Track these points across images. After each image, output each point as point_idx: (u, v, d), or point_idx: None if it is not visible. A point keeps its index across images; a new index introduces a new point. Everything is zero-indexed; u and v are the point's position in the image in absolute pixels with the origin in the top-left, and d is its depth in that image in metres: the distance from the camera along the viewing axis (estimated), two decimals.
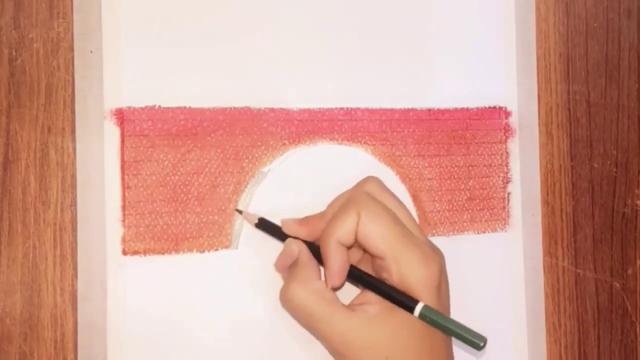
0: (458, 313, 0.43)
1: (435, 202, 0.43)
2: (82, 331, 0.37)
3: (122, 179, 0.38)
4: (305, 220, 0.38)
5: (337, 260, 0.36)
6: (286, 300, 0.36)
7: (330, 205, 0.39)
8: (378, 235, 0.35)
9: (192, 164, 0.39)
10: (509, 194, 0.45)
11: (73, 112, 0.37)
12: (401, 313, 0.35)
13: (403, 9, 0.43)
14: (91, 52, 0.37)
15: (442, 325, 0.35)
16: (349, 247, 0.37)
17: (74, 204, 0.37)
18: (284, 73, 0.41)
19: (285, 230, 0.38)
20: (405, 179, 0.43)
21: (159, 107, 0.38)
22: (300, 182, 0.41)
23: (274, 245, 0.40)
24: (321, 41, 0.42)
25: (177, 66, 0.39)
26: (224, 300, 0.39)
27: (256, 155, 0.40)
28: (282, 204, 0.40)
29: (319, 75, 0.42)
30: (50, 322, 0.37)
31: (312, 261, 0.37)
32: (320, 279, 0.37)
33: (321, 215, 0.38)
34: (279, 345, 0.40)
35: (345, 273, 0.36)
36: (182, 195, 0.39)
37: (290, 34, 0.41)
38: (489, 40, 0.45)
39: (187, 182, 0.39)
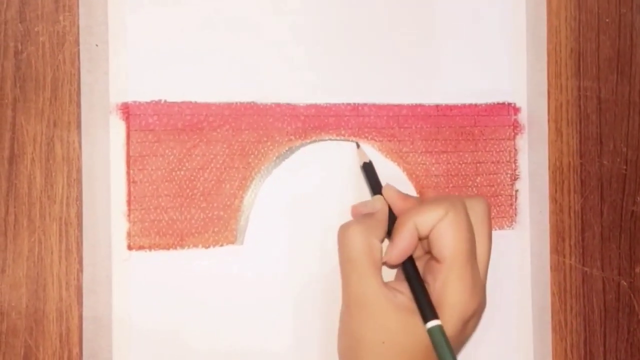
0: None
1: None
2: (87, 325, 0.37)
3: (128, 173, 0.38)
4: (405, 196, 0.39)
5: (406, 240, 0.36)
6: (343, 234, 0.37)
7: (430, 197, 0.40)
8: (450, 240, 0.36)
9: (198, 159, 0.39)
10: (517, 191, 0.45)
11: (79, 106, 0.37)
12: (419, 322, 0.35)
13: (412, 4, 0.43)
14: (97, 45, 0.37)
15: (441, 353, 0.35)
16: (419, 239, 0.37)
17: (79, 198, 0.37)
18: (291, 68, 0.40)
19: (384, 191, 0.39)
20: (412, 175, 0.43)
21: (165, 101, 0.38)
22: (306, 178, 0.41)
23: (279, 242, 0.40)
24: (328, 36, 0.41)
25: (183, 61, 0.39)
26: (229, 295, 0.39)
27: (262, 150, 0.40)
28: (288, 200, 0.40)
29: (326, 71, 0.41)
30: (56, 316, 0.37)
31: (384, 224, 0.38)
32: (382, 242, 0.37)
33: (417, 200, 0.39)
34: (282, 341, 0.40)
35: (405, 257, 0.37)
36: (188, 191, 0.39)
37: (297, 29, 0.41)
38: (498, 35, 0.45)
39: (192, 177, 0.39)
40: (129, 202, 0.38)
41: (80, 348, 0.37)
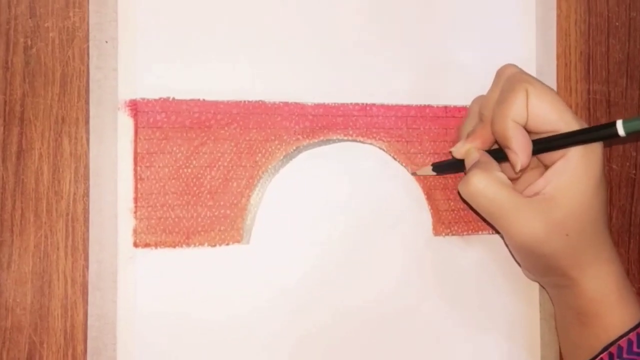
0: (471, 312, 0.43)
1: (450, 201, 0.43)
2: (92, 322, 0.37)
3: (135, 170, 0.38)
4: (471, 134, 0.39)
5: (520, 137, 0.36)
6: (469, 189, 0.36)
7: (484, 107, 0.39)
8: (550, 107, 0.36)
9: (205, 157, 0.39)
10: None
11: (87, 102, 0.37)
12: (577, 185, 0.36)
13: (421, 5, 0.43)
14: (106, 42, 0.37)
15: None
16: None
17: (86, 194, 0.37)
18: (299, 67, 0.40)
19: (456, 152, 0.39)
20: (420, 176, 0.42)
21: (173, 99, 0.38)
22: (313, 177, 0.40)
23: (286, 241, 0.40)
24: (337, 36, 0.41)
25: (192, 59, 0.38)
26: (234, 294, 0.39)
27: (270, 149, 0.40)
28: (295, 199, 0.40)
29: (335, 70, 0.41)
30: (61, 313, 0.37)
31: (491, 158, 0.38)
32: (500, 171, 0.37)
33: (481, 121, 0.39)
34: (288, 340, 0.40)
35: (530, 150, 0.36)
36: (195, 189, 0.38)
37: (306, 28, 0.41)
38: (508, 37, 0.45)
39: (199, 175, 0.39)
40: (135, 199, 0.37)
41: (84, 345, 0.37)
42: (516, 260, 0.42)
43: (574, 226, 0.36)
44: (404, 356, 0.41)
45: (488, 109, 0.38)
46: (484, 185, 0.36)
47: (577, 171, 0.36)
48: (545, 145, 0.37)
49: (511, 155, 0.36)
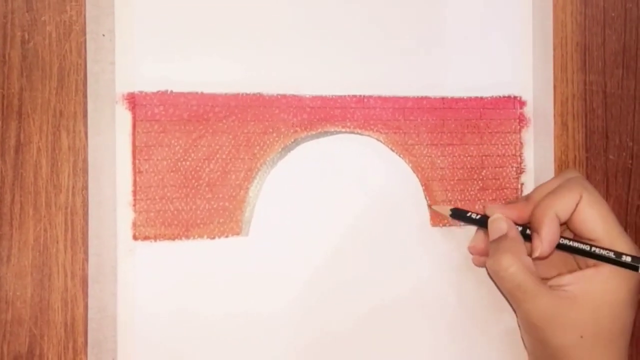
0: (469, 303, 0.43)
1: (447, 192, 0.43)
2: (92, 315, 0.37)
3: (134, 163, 0.38)
4: (512, 205, 0.40)
5: (552, 230, 0.37)
6: (500, 270, 0.37)
7: (536, 191, 0.40)
8: (599, 218, 0.37)
9: (204, 150, 0.39)
10: (522, 184, 0.45)
11: (85, 96, 0.37)
12: (602, 295, 0.37)
13: None
14: (103, 35, 0.37)
15: None
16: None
17: (85, 188, 0.37)
18: (297, 59, 0.40)
19: (491, 212, 0.40)
20: (417, 168, 0.43)
21: (171, 92, 0.38)
22: (311, 169, 0.41)
23: (284, 233, 0.40)
24: (334, 28, 0.41)
25: (190, 51, 0.39)
26: (234, 286, 0.39)
27: (268, 141, 0.40)
28: (293, 191, 0.40)
29: (332, 62, 0.41)
30: (61, 306, 0.37)
31: (520, 237, 0.38)
32: (527, 255, 0.38)
33: (526, 199, 0.40)
34: (286, 331, 0.40)
35: (554, 245, 0.37)
36: (193, 181, 0.39)
37: (304, 20, 0.41)
38: (505, 28, 0.45)
39: (198, 168, 0.39)
40: (134, 192, 0.38)
41: (85, 337, 0.37)
42: (525, 346, 0.42)
43: (589, 332, 0.36)
44: (399, 346, 0.42)
45: (539, 193, 0.40)
46: (514, 270, 0.37)
47: (605, 286, 0.37)
48: (573, 248, 0.38)
49: (536, 241, 0.38)
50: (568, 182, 0.38)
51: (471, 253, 0.42)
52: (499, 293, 0.43)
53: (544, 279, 0.38)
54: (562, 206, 0.37)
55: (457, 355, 0.43)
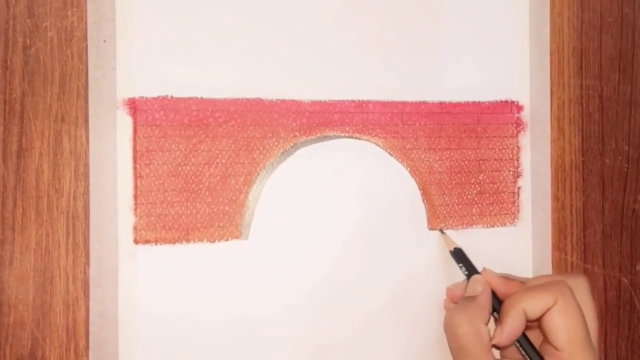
0: None
1: (445, 196, 0.43)
2: (93, 318, 0.37)
3: (134, 168, 0.38)
4: (506, 278, 0.40)
5: (515, 324, 0.37)
6: (449, 325, 0.37)
7: (532, 279, 0.40)
8: (566, 329, 0.36)
9: (204, 155, 0.39)
10: (519, 188, 0.45)
11: (86, 101, 0.38)
12: None
13: (416, 2, 0.43)
14: (105, 41, 0.38)
15: None
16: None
17: (86, 192, 0.38)
18: (296, 64, 0.41)
19: (484, 274, 0.40)
20: (415, 172, 0.43)
21: (172, 97, 0.39)
22: (310, 173, 0.41)
23: (283, 237, 0.40)
24: (333, 33, 0.42)
25: (190, 57, 0.39)
26: (233, 289, 0.39)
27: (267, 146, 0.40)
28: (293, 195, 0.40)
29: (331, 67, 0.41)
30: (62, 309, 0.37)
31: (488, 306, 0.38)
32: (487, 324, 0.37)
33: (509, 283, 0.40)
34: (286, 333, 0.40)
35: (515, 338, 0.37)
36: (194, 185, 0.39)
37: (303, 25, 0.41)
38: (502, 33, 0.45)
39: (198, 172, 0.39)
40: (135, 197, 0.38)
41: (86, 341, 0.37)
42: None
43: None
44: (397, 348, 0.42)
45: (532, 282, 0.39)
46: (463, 331, 0.36)
47: None
48: (526, 350, 0.38)
49: (498, 328, 0.37)
50: (551, 284, 0.38)
51: (446, 294, 0.42)
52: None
53: (503, 354, 0.39)
54: (532, 305, 0.37)
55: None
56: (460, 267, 0.41)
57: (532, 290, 0.37)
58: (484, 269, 0.40)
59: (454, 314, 0.37)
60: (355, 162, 0.42)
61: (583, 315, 0.37)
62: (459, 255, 0.41)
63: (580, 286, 0.38)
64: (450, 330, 0.37)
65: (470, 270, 0.41)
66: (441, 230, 0.43)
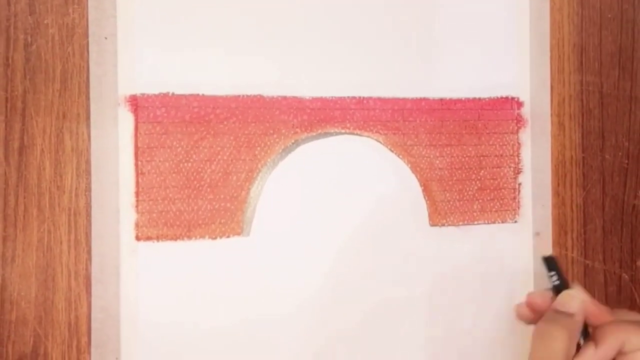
0: (466, 303, 0.44)
1: (446, 192, 0.44)
2: (95, 315, 0.37)
3: (136, 165, 0.38)
4: (597, 304, 0.38)
5: (609, 352, 0.36)
6: (548, 335, 0.36)
7: (627, 313, 0.39)
8: None
9: (205, 151, 0.39)
10: (519, 184, 0.45)
11: (88, 98, 0.38)
12: None
13: None
14: (106, 38, 0.38)
15: None
16: None
17: (88, 189, 0.38)
18: (297, 61, 0.41)
19: (577, 292, 0.38)
20: (416, 168, 0.43)
21: (173, 94, 0.39)
22: (311, 169, 0.41)
23: (285, 233, 0.40)
24: (334, 30, 0.42)
25: (191, 54, 0.39)
26: (235, 286, 0.39)
27: (268, 143, 0.40)
28: (294, 192, 0.40)
29: (332, 64, 0.42)
30: (65, 306, 0.37)
31: (581, 327, 0.37)
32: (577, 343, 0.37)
33: (613, 312, 0.38)
34: (287, 329, 0.40)
35: None
36: (195, 182, 0.39)
37: (303, 22, 0.41)
38: (502, 30, 0.45)
39: (199, 169, 0.39)
40: (137, 193, 0.38)
41: (88, 337, 0.37)
42: None
43: None
44: (399, 344, 0.42)
45: (628, 315, 0.38)
46: (560, 347, 0.35)
47: None
48: None
49: (588, 350, 0.36)
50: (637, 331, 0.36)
51: (526, 300, 0.39)
52: (497, 291, 0.44)
53: None
54: (634, 341, 0.36)
55: (456, 351, 0.43)
56: (551, 276, 0.38)
57: (635, 326, 0.36)
58: (576, 284, 0.39)
59: (555, 326, 0.36)
60: (356, 158, 0.42)
61: None
62: (550, 263, 0.39)
63: None
64: (544, 340, 0.36)
65: (562, 281, 0.38)
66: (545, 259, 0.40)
